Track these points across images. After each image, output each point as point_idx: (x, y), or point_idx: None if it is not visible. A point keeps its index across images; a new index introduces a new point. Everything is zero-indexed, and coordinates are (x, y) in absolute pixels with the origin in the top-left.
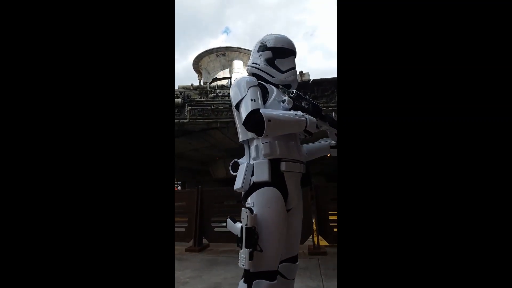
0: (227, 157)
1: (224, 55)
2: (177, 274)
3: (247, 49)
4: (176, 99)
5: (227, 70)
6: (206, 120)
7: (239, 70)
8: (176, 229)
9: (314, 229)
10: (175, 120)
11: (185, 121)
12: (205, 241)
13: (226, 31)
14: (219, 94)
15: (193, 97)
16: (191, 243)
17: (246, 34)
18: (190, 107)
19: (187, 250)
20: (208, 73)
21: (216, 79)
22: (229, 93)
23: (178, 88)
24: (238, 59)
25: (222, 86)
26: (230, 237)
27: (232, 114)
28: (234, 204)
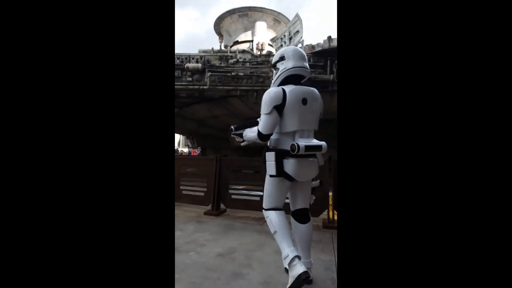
0: None
1: (247, 15)
2: (197, 235)
3: (271, 10)
4: (196, 64)
5: (249, 32)
6: (226, 87)
7: (262, 33)
8: (196, 193)
9: (330, 203)
10: (196, 87)
11: (205, 87)
12: (222, 206)
13: None
14: (239, 60)
15: (213, 62)
16: (209, 207)
17: None
18: (210, 73)
19: (205, 213)
20: (230, 35)
21: (237, 42)
22: (249, 59)
23: (199, 52)
24: (262, 20)
25: (243, 51)
26: (246, 204)
27: (252, 82)
28: (251, 173)
